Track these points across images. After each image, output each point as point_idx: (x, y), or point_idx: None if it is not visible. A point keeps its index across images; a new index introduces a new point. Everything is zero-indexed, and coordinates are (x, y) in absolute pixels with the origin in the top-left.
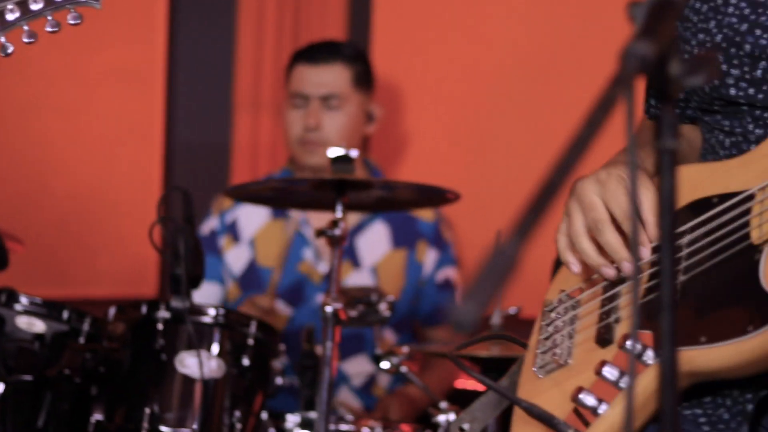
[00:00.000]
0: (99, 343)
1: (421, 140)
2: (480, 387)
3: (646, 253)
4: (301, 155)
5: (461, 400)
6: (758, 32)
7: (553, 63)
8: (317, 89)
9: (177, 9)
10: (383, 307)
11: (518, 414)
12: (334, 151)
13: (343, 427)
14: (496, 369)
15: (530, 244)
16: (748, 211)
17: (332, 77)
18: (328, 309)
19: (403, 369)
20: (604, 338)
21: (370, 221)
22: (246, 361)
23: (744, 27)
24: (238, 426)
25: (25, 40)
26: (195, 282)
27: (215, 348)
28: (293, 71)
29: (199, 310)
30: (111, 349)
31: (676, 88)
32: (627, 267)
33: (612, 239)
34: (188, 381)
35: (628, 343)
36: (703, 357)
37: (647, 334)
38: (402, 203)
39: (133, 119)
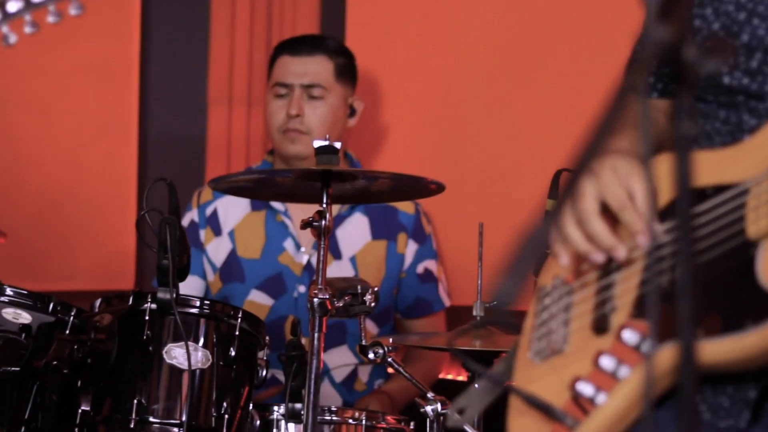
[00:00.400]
0: (86, 335)
1: (397, 134)
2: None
3: (643, 241)
4: (282, 144)
5: (446, 390)
6: (756, 22)
7: (529, 54)
8: (300, 78)
9: (150, 3)
10: (369, 298)
11: (515, 403)
12: (319, 142)
13: (328, 417)
14: (479, 362)
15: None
16: (743, 206)
17: (315, 68)
18: (316, 300)
19: (389, 360)
20: (600, 326)
21: (350, 213)
22: (233, 352)
23: (742, 16)
24: (226, 416)
25: (27, 30)
26: (182, 274)
27: (202, 339)
28: (276, 62)
29: (186, 302)
30: (98, 341)
31: (692, 73)
32: (621, 253)
33: (598, 228)
34: (175, 372)
35: (627, 332)
36: (700, 351)
37: (644, 324)
38: (385, 195)
39: (107, 113)
